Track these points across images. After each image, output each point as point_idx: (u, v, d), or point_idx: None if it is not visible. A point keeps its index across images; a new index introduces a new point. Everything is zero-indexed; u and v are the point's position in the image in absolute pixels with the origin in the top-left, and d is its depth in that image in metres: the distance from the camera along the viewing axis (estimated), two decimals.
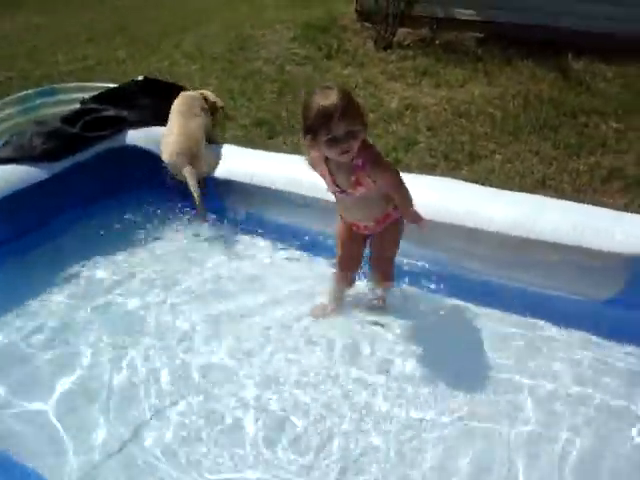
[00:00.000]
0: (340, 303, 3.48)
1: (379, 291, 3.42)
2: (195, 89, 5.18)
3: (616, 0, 7.36)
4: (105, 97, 4.70)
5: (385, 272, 3.36)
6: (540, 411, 2.82)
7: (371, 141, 3.10)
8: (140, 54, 8.11)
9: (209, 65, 7.56)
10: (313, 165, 3.10)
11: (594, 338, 3.14)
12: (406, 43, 8.06)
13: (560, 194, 4.60)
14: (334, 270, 3.52)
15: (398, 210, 3.17)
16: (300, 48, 8.06)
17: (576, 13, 7.57)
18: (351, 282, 3.50)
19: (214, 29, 9.06)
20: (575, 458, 2.60)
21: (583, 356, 3.06)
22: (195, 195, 4.00)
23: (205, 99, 4.74)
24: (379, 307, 3.44)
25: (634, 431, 2.70)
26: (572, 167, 5.05)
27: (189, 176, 4.04)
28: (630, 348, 3.07)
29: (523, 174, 4.98)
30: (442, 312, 3.39)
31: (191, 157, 4.13)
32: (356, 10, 8.82)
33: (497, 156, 5.28)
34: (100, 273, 3.86)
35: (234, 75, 7.20)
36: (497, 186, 4.33)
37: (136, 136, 4.44)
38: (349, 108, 2.72)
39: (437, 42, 8.03)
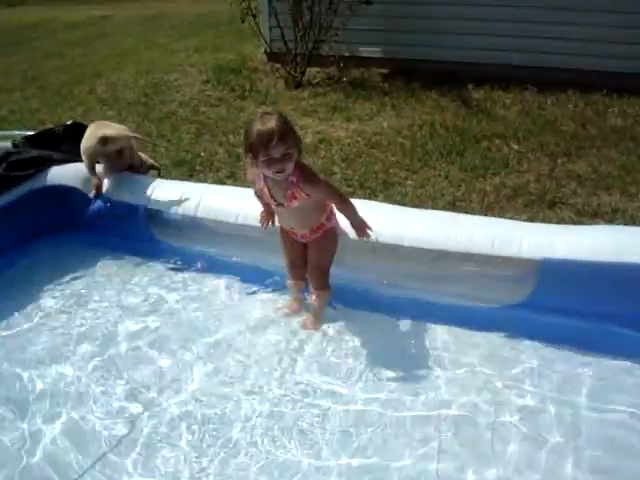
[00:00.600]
0: (301, 301, 3.75)
1: (316, 300, 3.60)
2: None
3: (511, 32, 7.90)
4: (35, 140, 4.76)
5: (320, 281, 3.56)
6: (471, 406, 3.05)
7: None
8: (54, 102, 8.13)
9: (125, 110, 7.66)
10: (252, 182, 3.46)
11: (508, 339, 3.41)
12: (316, 81, 8.38)
13: (470, 213, 4.91)
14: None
15: (332, 221, 3.53)
16: (213, 90, 8.28)
17: (473, 46, 8.07)
18: (303, 280, 3.73)
19: (127, 74, 9.18)
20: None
21: (500, 356, 3.32)
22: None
23: (141, 160, 4.80)
24: (316, 318, 3.61)
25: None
26: (479, 188, 5.38)
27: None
28: (539, 345, 3.35)
29: (434, 197, 5.27)
30: (372, 325, 3.57)
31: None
32: (265, 52, 9.12)
33: (409, 182, 5.58)
34: (29, 317, 3.79)
35: (150, 118, 7.33)
36: None
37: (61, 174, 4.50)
38: (286, 133, 3.05)
39: (345, 79, 8.39)
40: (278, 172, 3.13)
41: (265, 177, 3.31)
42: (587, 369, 3.19)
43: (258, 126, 3.05)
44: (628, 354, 3.22)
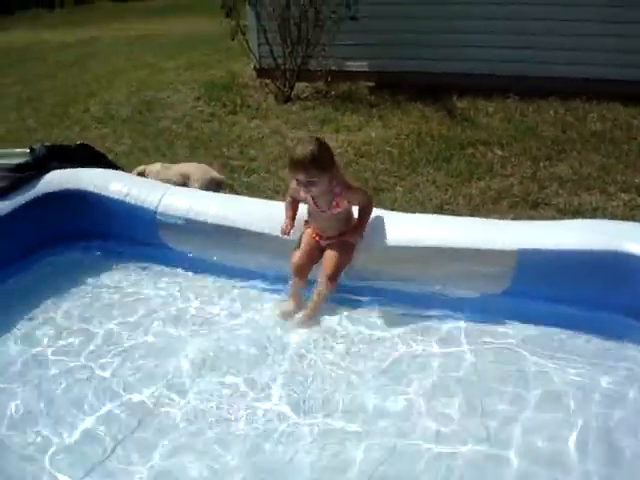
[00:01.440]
0: (298, 301, 3.83)
1: (320, 289, 3.73)
2: (109, 150, 5.84)
3: (493, 43, 8.21)
4: (50, 149, 4.95)
5: (331, 275, 3.73)
6: (465, 391, 3.22)
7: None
8: (50, 122, 8.31)
9: (119, 127, 7.87)
10: (295, 189, 3.78)
11: (494, 323, 3.64)
12: (304, 96, 8.63)
13: (457, 216, 5.14)
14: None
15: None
16: (205, 106, 8.51)
17: (456, 58, 8.37)
18: (304, 281, 3.87)
19: (119, 93, 9.39)
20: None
21: (488, 338, 3.55)
22: None
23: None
24: (315, 307, 3.73)
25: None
26: (465, 192, 5.63)
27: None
28: (519, 326, 3.59)
29: (423, 202, 5.50)
30: (374, 319, 3.75)
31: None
32: (255, 68, 9.36)
33: (398, 188, 5.82)
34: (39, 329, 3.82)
35: (145, 135, 7.54)
36: None
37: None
38: (311, 162, 3.48)
39: (333, 93, 8.66)
40: (307, 192, 3.64)
41: None
42: (563, 349, 3.43)
43: (292, 152, 3.64)
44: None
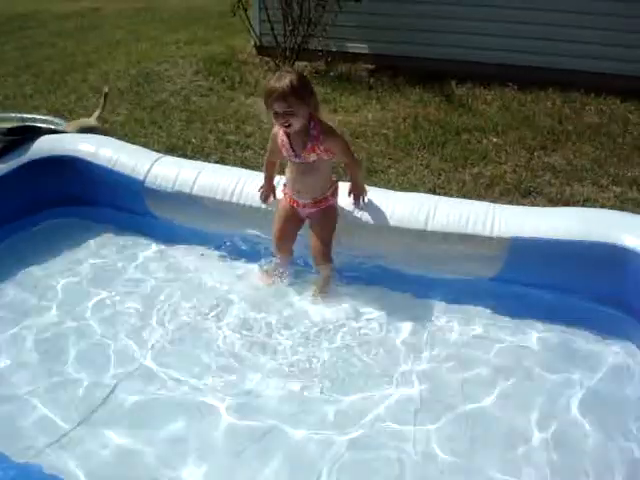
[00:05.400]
0: (283, 271, 3.88)
1: (323, 272, 3.77)
2: (104, 120, 6.04)
3: (495, 32, 8.22)
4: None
5: (324, 255, 3.73)
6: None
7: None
8: (47, 89, 8.25)
9: (117, 98, 7.81)
10: (275, 135, 3.69)
11: (483, 309, 3.68)
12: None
13: None
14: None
15: (334, 198, 3.81)
16: (204, 80, 8.48)
17: (457, 44, 8.36)
18: (289, 253, 3.94)
19: (118, 64, 9.33)
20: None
21: (476, 322, 3.62)
22: None
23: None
24: (325, 287, 3.77)
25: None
26: (458, 177, 5.66)
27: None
28: (510, 316, 3.64)
29: (416, 184, 5.53)
30: (365, 297, 3.78)
31: None
32: (255, 45, 9.33)
33: (392, 170, 5.84)
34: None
35: (142, 106, 7.51)
36: None
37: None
38: (290, 92, 3.32)
39: (332, 73, 8.62)
40: (284, 126, 3.45)
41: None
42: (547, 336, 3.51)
43: (269, 83, 3.42)
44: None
